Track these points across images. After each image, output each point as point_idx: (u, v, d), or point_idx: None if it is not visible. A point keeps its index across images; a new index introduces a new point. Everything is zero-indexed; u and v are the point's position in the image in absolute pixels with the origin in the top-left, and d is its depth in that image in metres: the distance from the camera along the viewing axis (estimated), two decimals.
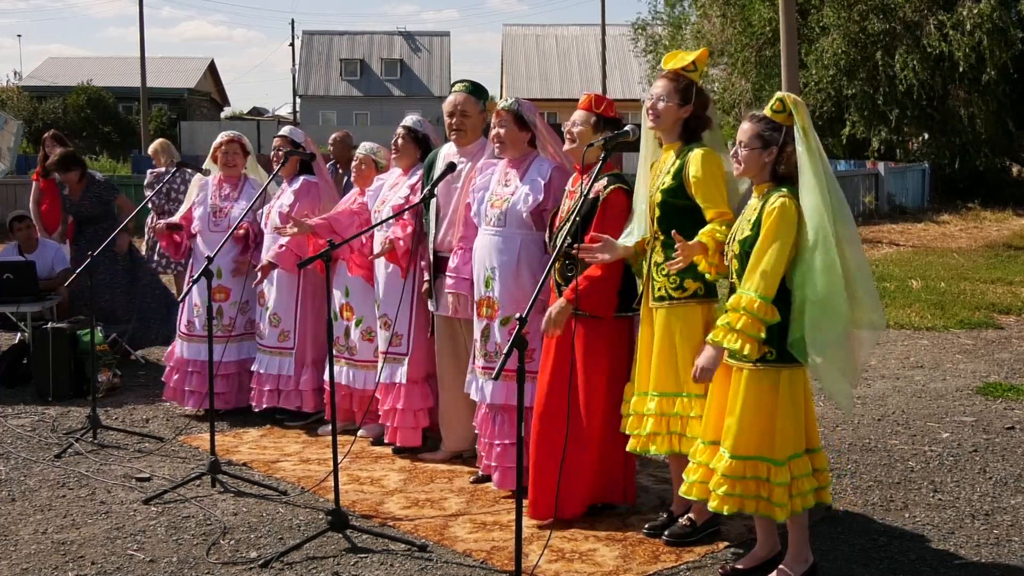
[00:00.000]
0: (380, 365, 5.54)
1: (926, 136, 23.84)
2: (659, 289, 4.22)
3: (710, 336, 3.81)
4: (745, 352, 3.70)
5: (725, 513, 3.84)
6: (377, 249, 5.47)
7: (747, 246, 3.78)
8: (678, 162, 4.20)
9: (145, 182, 9.16)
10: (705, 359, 3.83)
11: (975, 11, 20.79)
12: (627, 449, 4.34)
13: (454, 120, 5.21)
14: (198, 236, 6.51)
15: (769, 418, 3.76)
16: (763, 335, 3.69)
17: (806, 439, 3.87)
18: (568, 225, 4.39)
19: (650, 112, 4.24)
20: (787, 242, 3.69)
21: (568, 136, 4.60)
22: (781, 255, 3.69)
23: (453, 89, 5.33)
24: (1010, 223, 21.22)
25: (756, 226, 3.77)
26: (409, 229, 5.39)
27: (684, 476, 4.02)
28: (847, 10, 22.16)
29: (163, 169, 9.03)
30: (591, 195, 4.42)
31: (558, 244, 4.41)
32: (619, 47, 44.45)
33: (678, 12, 27.27)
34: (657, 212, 4.19)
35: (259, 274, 6.20)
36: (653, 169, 4.31)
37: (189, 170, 8.76)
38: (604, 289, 4.39)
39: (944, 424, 6.27)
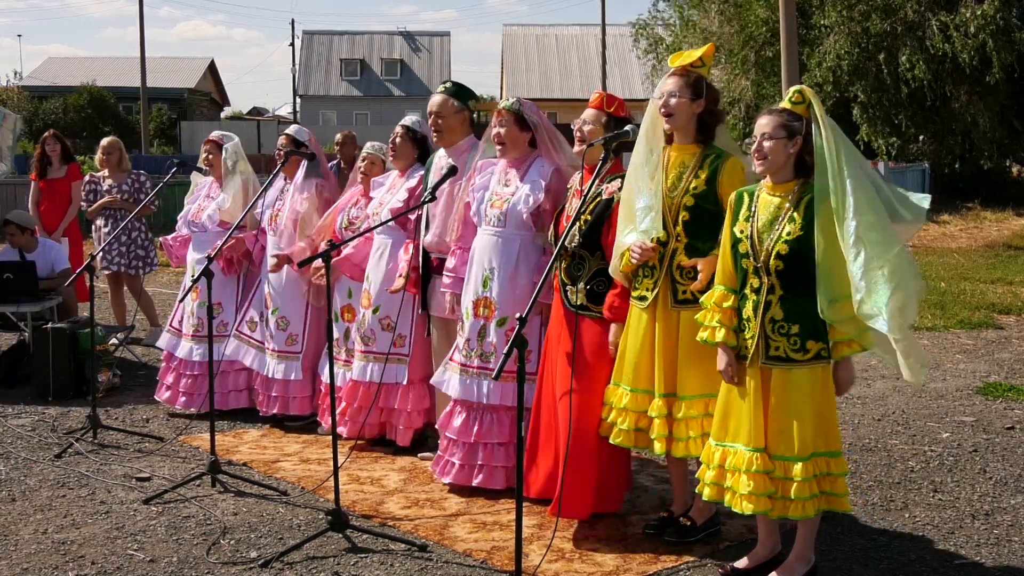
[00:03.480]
0: (382, 365, 5.51)
1: (922, 138, 23.83)
2: (683, 292, 4.15)
3: (857, 346, 3.73)
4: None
5: (811, 516, 3.76)
6: (399, 284, 5.44)
7: (801, 245, 3.68)
8: (708, 168, 4.14)
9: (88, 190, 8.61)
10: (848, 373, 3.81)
11: (978, 12, 20.77)
12: (616, 442, 4.27)
13: (430, 121, 5.31)
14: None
15: (824, 412, 3.77)
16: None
17: None
18: (576, 224, 4.37)
19: (663, 110, 4.18)
20: None
21: (578, 135, 4.56)
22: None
23: (436, 91, 5.39)
24: (1010, 223, 21.24)
25: (807, 226, 3.69)
26: (411, 249, 5.41)
27: (735, 487, 3.80)
28: (849, 10, 22.14)
29: (105, 172, 8.64)
30: (604, 196, 4.41)
31: (566, 244, 4.41)
32: (619, 47, 44.45)
33: (677, 11, 27.26)
34: (685, 215, 4.12)
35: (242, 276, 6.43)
36: (666, 167, 4.21)
37: (144, 175, 8.78)
38: (626, 296, 4.38)
39: (944, 424, 6.27)
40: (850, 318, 3.66)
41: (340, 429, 5.70)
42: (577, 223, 4.38)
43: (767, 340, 3.77)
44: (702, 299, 3.99)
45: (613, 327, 4.38)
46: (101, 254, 8.37)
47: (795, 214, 3.74)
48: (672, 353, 4.19)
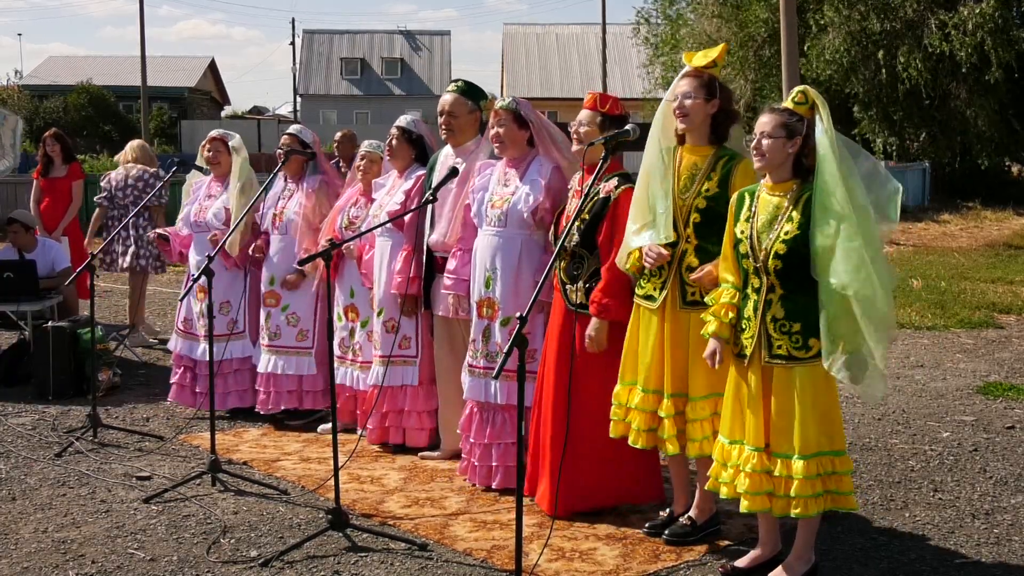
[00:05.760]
0: (384, 368, 5.49)
1: (923, 136, 23.83)
2: (693, 294, 4.15)
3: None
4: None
5: (813, 515, 3.76)
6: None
7: (798, 244, 3.70)
8: (721, 170, 4.14)
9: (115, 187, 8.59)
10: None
11: (977, 11, 20.78)
12: (636, 445, 4.28)
13: (443, 120, 5.27)
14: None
15: (827, 411, 3.76)
16: None
17: None
18: (575, 223, 4.38)
19: (678, 111, 4.19)
20: None
21: (575, 137, 4.58)
22: None
23: (447, 89, 5.38)
24: (1010, 222, 21.24)
25: (805, 225, 3.71)
26: (405, 255, 5.41)
27: (739, 488, 3.84)
28: (848, 8, 22.14)
29: (122, 171, 8.67)
30: (602, 194, 4.42)
31: (564, 243, 4.41)
32: (620, 46, 44.48)
33: (674, 12, 27.30)
34: (697, 217, 4.13)
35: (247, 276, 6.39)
36: (678, 169, 4.21)
37: (151, 170, 8.78)
38: (625, 293, 4.38)
39: (944, 423, 6.28)
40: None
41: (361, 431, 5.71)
42: (576, 222, 4.39)
43: (769, 339, 3.78)
44: (707, 298, 3.99)
45: (595, 321, 4.40)
46: (127, 255, 8.46)
47: (794, 213, 3.76)
48: (682, 354, 4.19)
